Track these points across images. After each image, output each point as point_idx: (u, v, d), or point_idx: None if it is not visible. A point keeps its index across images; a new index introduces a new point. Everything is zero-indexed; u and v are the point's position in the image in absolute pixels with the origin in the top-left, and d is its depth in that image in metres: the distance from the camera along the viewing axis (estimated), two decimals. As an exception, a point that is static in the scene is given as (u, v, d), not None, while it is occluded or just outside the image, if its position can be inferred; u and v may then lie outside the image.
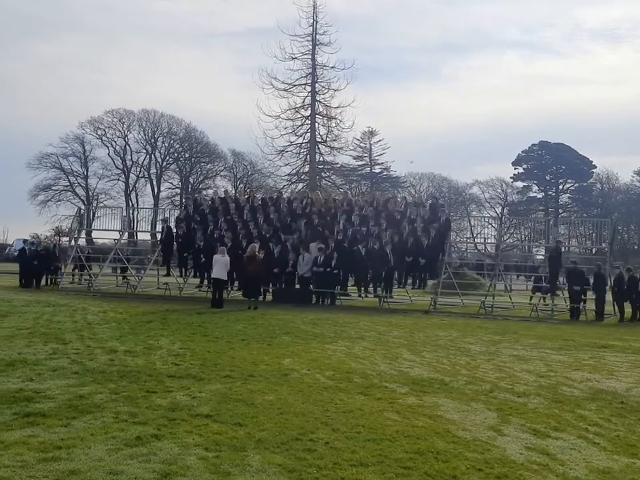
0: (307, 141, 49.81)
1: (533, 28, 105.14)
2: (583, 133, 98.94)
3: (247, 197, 24.56)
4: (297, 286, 20.92)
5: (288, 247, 20.79)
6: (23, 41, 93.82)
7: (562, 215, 75.88)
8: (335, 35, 49.37)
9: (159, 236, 24.71)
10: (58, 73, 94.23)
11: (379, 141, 71.82)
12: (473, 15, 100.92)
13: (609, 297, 19.40)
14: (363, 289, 21.11)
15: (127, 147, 68.38)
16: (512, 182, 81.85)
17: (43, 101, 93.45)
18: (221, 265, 18.25)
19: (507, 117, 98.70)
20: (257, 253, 18.54)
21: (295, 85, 49.42)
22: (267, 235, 21.14)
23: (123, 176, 68.85)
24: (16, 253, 24.29)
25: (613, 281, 19.51)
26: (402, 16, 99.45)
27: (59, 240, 27.75)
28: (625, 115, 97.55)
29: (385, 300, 20.13)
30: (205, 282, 22.02)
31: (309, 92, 49.57)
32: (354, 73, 58.03)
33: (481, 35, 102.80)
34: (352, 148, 59.34)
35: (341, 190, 50.22)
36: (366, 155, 73.11)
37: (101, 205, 58.66)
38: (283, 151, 49.62)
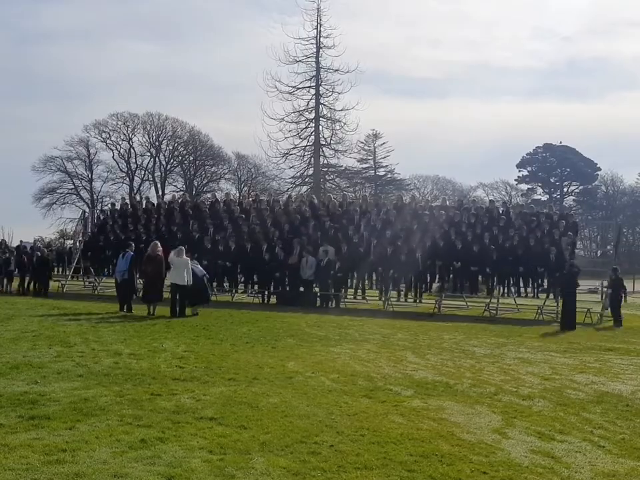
0: (311, 143, 50.02)
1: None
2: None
3: (252, 199, 24.63)
4: (301, 289, 20.85)
5: (295, 249, 20.69)
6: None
7: (567, 217, 75.67)
8: (339, 38, 49.39)
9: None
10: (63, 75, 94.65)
11: (383, 143, 71.73)
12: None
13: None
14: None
15: (132, 150, 68.54)
16: (516, 184, 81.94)
17: (49, 103, 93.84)
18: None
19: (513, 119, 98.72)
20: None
21: (299, 88, 49.62)
22: (274, 238, 21.10)
23: (128, 179, 68.97)
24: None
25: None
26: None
27: (64, 243, 27.56)
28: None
29: (389, 303, 20.08)
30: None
31: (313, 95, 49.78)
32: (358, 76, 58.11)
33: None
34: (356, 151, 59.53)
35: (344, 193, 50.24)
36: (370, 157, 73.04)
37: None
38: (287, 153, 49.90)
